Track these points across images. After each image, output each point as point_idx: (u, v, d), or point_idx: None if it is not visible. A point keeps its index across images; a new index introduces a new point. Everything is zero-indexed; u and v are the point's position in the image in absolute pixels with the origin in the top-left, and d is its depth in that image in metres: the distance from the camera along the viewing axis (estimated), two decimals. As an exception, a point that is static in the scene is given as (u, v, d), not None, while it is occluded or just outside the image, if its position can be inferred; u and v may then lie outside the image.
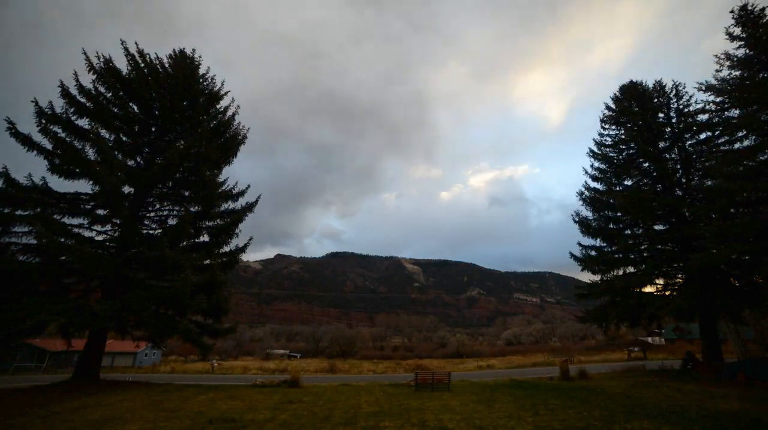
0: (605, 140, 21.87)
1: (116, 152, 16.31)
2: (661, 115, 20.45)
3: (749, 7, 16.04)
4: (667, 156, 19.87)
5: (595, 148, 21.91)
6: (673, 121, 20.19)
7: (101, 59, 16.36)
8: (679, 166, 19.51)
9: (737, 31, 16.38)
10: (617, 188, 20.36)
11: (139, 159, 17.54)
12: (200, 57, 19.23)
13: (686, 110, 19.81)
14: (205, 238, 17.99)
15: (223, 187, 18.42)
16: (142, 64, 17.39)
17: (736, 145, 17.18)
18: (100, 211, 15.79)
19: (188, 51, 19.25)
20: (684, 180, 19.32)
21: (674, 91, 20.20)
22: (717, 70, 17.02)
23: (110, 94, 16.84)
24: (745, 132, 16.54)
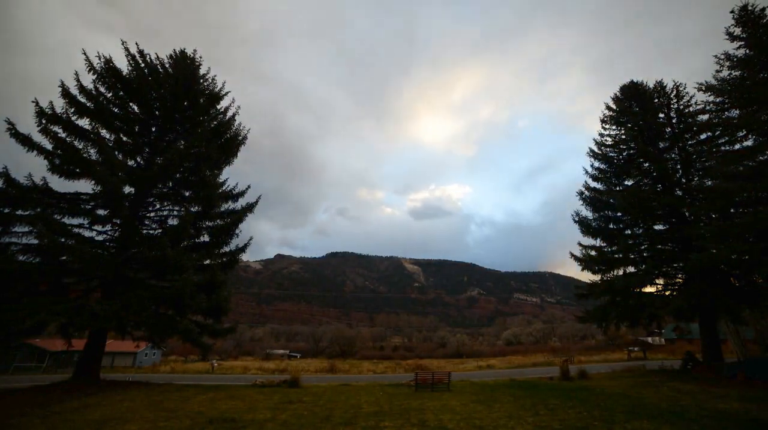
0: (605, 140, 21.86)
1: (117, 152, 16.31)
2: (661, 115, 20.45)
3: (749, 8, 16.05)
4: (667, 156, 19.87)
5: (595, 148, 21.91)
6: (674, 121, 20.19)
7: (101, 59, 16.37)
8: (679, 167, 19.51)
9: (737, 31, 16.38)
10: (617, 188, 20.34)
11: (139, 159, 17.53)
12: (201, 58, 19.25)
13: (686, 111, 19.82)
14: (205, 238, 17.99)
15: (223, 188, 18.43)
16: (143, 65, 17.40)
17: (736, 146, 17.18)
18: (101, 212, 15.77)
19: (189, 51, 19.26)
20: (684, 180, 19.33)
21: (674, 92, 20.20)
22: (717, 71, 17.03)
23: (110, 94, 16.85)
24: (745, 132, 16.54)
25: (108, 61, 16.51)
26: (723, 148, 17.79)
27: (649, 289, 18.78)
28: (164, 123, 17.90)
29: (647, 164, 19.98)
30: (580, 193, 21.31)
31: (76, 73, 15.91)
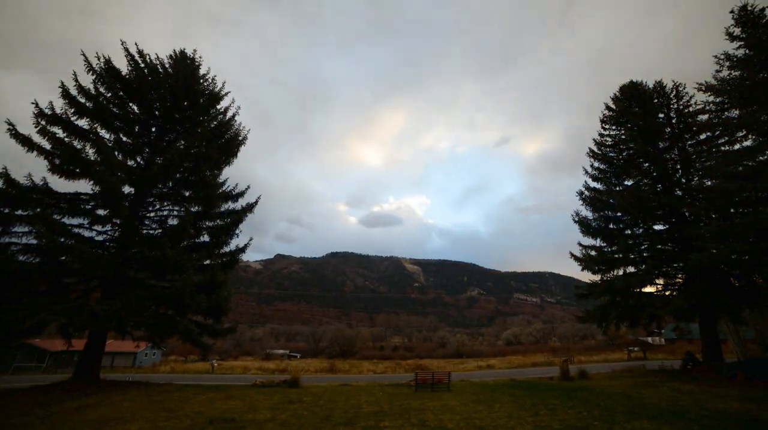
0: (605, 140, 21.86)
1: (116, 152, 16.31)
2: (661, 115, 20.44)
3: (749, 8, 16.06)
4: (667, 156, 19.87)
5: (595, 148, 21.91)
6: (673, 121, 20.19)
7: (101, 59, 16.36)
8: (678, 167, 19.51)
9: (737, 31, 16.39)
10: (617, 188, 20.35)
11: (139, 159, 17.53)
12: (200, 58, 19.24)
13: (686, 111, 19.82)
14: (205, 238, 17.99)
15: (223, 188, 18.42)
16: (143, 65, 17.39)
17: (736, 146, 17.19)
18: (100, 212, 15.77)
19: (189, 51, 19.26)
20: (684, 180, 19.33)
21: (674, 92, 20.20)
22: (717, 71, 17.03)
23: (110, 94, 16.83)
24: (745, 132, 16.54)
25: (108, 62, 16.50)
26: (723, 148, 17.80)
27: (649, 289, 18.78)
28: (164, 123, 17.90)
29: (647, 164, 19.99)
30: (580, 193, 21.31)
31: (75, 74, 15.88)
